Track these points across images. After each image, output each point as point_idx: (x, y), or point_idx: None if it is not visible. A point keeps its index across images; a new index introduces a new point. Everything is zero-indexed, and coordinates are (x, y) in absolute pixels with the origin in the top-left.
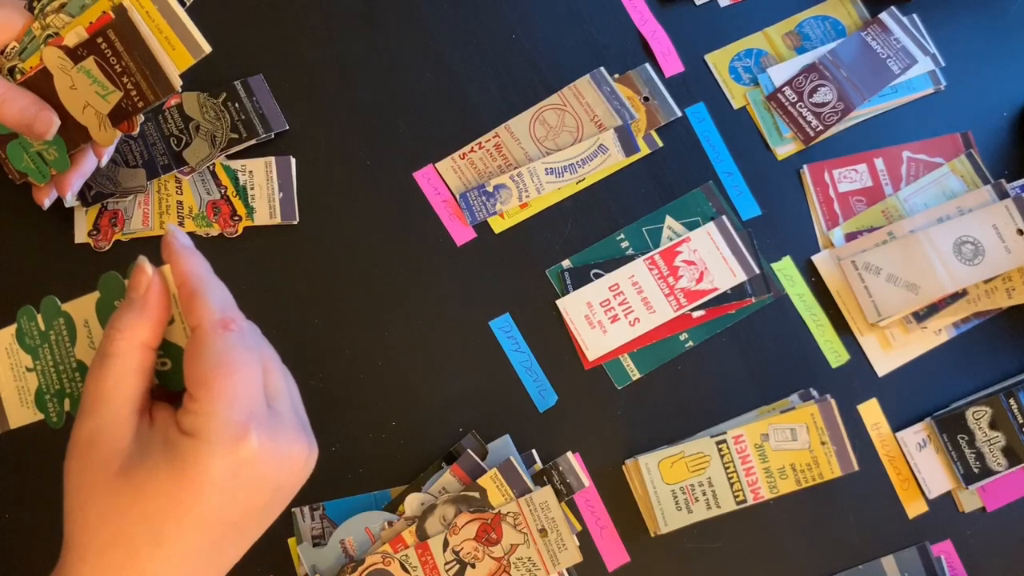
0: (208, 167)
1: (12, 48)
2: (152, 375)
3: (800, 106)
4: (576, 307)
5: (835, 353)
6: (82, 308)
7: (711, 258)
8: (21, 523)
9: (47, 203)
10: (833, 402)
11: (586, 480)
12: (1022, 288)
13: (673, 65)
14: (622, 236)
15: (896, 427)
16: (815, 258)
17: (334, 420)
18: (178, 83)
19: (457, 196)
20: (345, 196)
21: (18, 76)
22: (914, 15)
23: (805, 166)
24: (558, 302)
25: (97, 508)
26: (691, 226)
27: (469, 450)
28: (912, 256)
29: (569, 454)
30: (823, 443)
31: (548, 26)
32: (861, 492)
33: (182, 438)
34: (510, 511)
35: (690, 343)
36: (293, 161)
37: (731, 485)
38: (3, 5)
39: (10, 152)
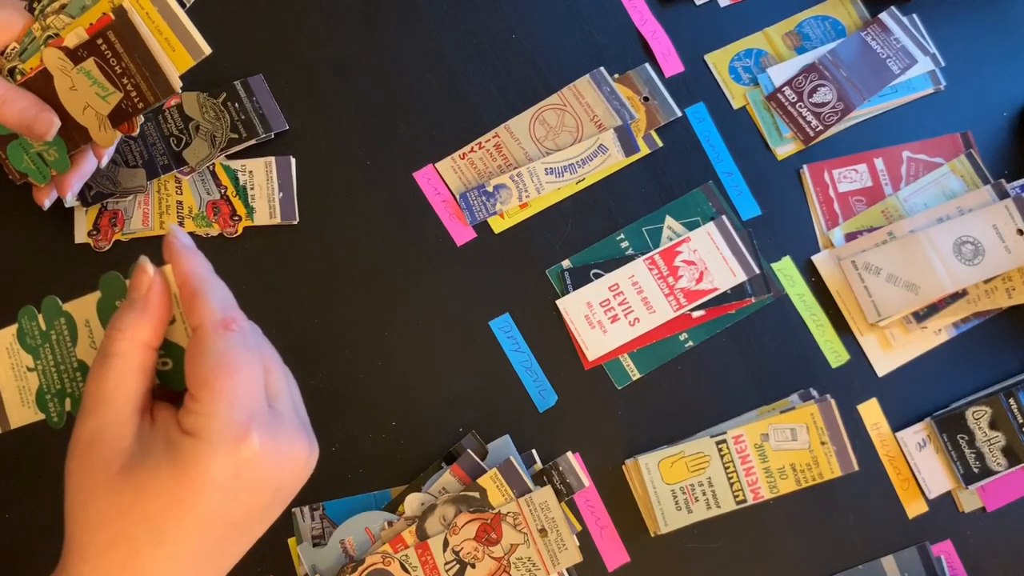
0: (208, 167)
1: (12, 49)
2: (153, 375)
3: (800, 106)
4: (576, 307)
5: (835, 353)
6: (83, 308)
7: (711, 258)
8: (21, 523)
9: (47, 203)
10: (833, 402)
11: (586, 480)
12: (1022, 288)
13: (673, 65)
14: (622, 236)
15: (896, 427)
16: (815, 258)
17: (334, 420)
18: (178, 84)
19: (457, 196)
20: (345, 196)
21: (18, 77)
22: (914, 15)
23: (805, 166)
24: (558, 302)
25: (98, 508)
26: (691, 226)
27: (469, 450)
28: (912, 256)
29: (569, 454)
30: (823, 443)
31: (548, 26)
32: (861, 492)
33: (183, 438)
34: (510, 511)
35: (690, 343)
36: (293, 161)
37: (731, 485)
38: (3, 6)
39: (10, 153)
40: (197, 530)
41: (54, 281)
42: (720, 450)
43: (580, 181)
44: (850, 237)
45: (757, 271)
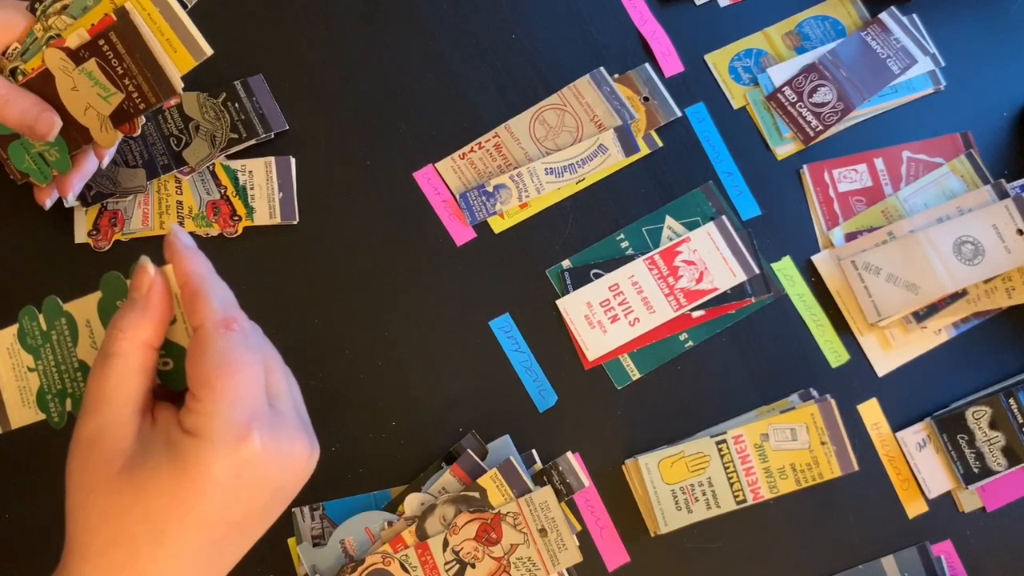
0: (208, 167)
1: (14, 49)
2: (154, 375)
3: (800, 106)
4: (576, 307)
5: (835, 353)
6: (84, 308)
7: (711, 258)
8: (22, 523)
9: (48, 203)
10: (833, 402)
11: (586, 480)
12: (1022, 288)
13: (673, 65)
14: (622, 236)
15: (896, 427)
16: (815, 258)
17: (334, 420)
18: (180, 85)
19: (457, 196)
20: (345, 196)
21: (20, 77)
22: (914, 15)
23: (805, 166)
24: (558, 302)
25: (99, 508)
26: (691, 226)
27: (469, 450)
28: (912, 256)
29: (569, 454)
30: (823, 443)
31: (548, 26)
32: (861, 492)
33: (184, 438)
34: (510, 511)
35: (690, 343)
36: (293, 161)
37: (731, 485)
38: (5, 7)
39: (12, 153)
40: (198, 530)
41: (54, 281)
42: (720, 450)
43: (580, 181)
44: (850, 237)
45: (757, 271)
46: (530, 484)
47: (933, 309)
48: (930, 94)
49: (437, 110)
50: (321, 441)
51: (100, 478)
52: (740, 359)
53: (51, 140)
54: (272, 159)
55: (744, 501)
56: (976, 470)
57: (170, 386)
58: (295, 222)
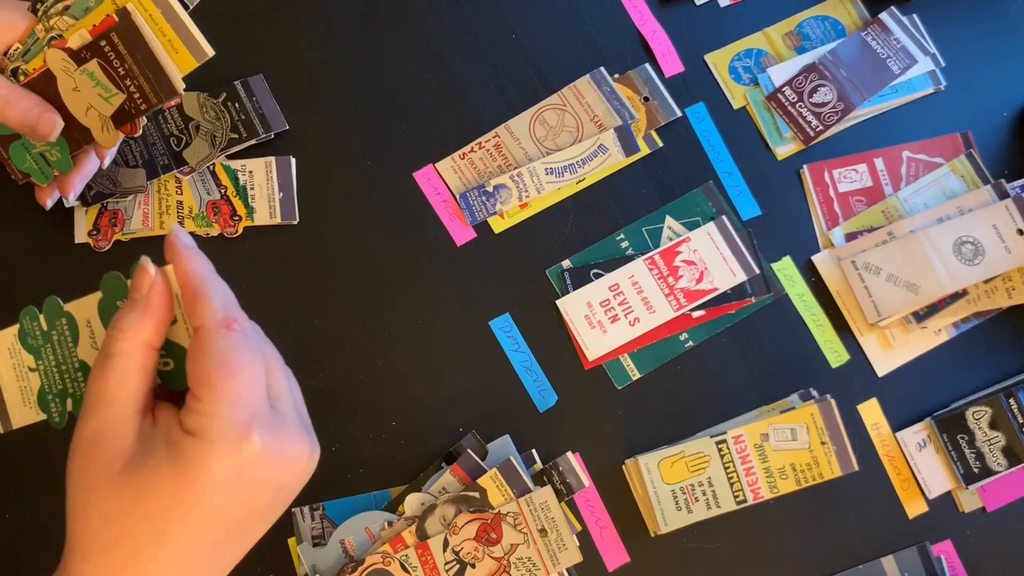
0: (208, 167)
1: (15, 50)
2: (155, 375)
3: (800, 106)
4: (576, 307)
5: (835, 353)
6: (84, 308)
7: (711, 258)
8: (22, 523)
9: (50, 203)
10: (833, 402)
11: (586, 480)
12: (1022, 288)
13: (673, 65)
14: (622, 236)
15: (896, 427)
16: (815, 258)
17: (334, 420)
18: (181, 86)
19: (457, 196)
20: (345, 196)
21: (21, 78)
22: (914, 15)
23: (805, 166)
24: (558, 302)
25: (100, 508)
26: (691, 226)
27: (469, 450)
28: (912, 256)
29: (569, 454)
30: (823, 443)
31: (548, 26)
32: (861, 492)
33: (185, 438)
34: (510, 511)
35: (690, 343)
36: (293, 161)
37: (731, 485)
38: (6, 7)
39: (13, 153)
40: (198, 530)
41: (54, 281)
42: (720, 450)
43: (580, 181)
44: (850, 237)
45: (757, 271)
46: (530, 484)
47: (933, 309)
48: (930, 94)
49: (437, 110)
50: (321, 441)
51: (101, 478)
52: (740, 359)
53: (52, 140)
54: (272, 159)
55: (744, 501)
56: (976, 470)
57: (171, 386)
58: (295, 222)
